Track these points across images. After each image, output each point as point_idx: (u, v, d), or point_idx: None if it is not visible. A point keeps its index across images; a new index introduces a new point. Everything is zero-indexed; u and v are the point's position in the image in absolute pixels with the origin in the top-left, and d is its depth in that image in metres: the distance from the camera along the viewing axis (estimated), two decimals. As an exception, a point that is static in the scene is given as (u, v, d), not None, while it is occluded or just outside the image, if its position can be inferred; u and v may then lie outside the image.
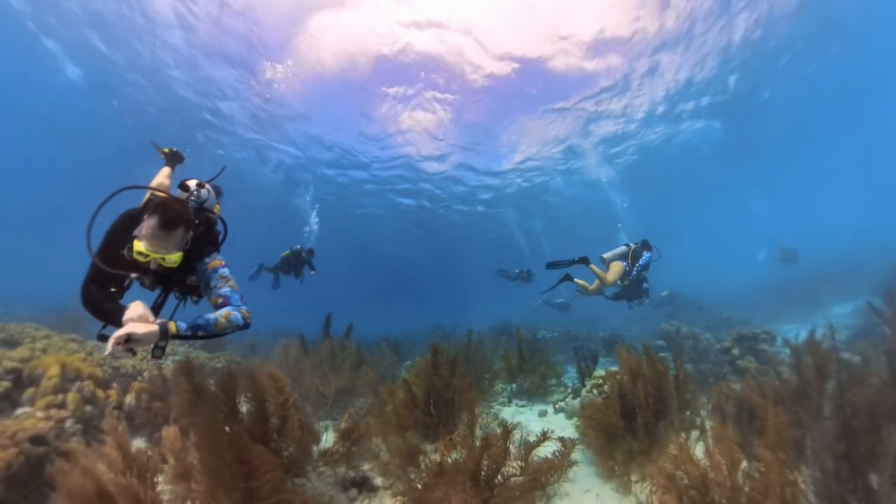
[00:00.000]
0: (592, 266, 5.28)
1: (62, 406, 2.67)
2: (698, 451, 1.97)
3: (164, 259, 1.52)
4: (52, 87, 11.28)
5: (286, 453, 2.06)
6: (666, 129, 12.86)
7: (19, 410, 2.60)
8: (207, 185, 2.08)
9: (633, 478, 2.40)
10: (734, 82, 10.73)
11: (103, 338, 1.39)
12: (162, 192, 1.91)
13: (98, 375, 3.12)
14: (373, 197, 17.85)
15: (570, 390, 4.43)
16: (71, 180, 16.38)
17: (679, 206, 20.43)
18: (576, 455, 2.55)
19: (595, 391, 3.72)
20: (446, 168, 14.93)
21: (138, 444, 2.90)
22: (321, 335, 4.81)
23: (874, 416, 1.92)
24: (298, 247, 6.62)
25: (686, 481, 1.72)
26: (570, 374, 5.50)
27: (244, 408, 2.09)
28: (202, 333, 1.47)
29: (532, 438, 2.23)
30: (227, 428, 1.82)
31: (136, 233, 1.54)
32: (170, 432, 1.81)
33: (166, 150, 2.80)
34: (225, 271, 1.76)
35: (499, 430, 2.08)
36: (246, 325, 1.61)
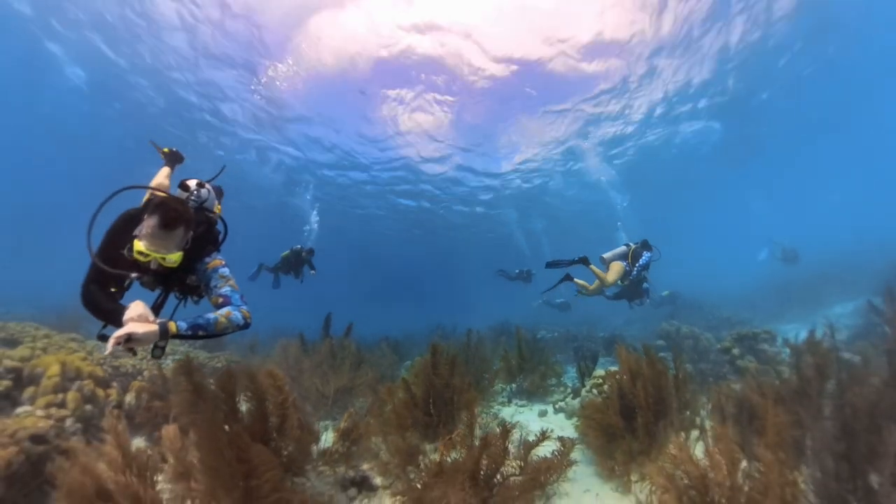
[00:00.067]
0: (592, 266, 5.27)
1: (62, 405, 2.67)
2: (698, 450, 1.97)
3: (164, 259, 1.52)
4: (54, 88, 11.36)
5: (285, 452, 2.06)
6: (665, 130, 12.88)
7: (19, 409, 2.61)
8: (207, 185, 2.08)
9: (633, 477, 2.40)
10: (733, 83, 10.75)
11: (103, 338, 1.39)
12: (162, 191, 1.91)
13: (98, 374, 3.12)
14: (373, 198, 17.88)
15: (569, 390, 4.43)
16: (71, 180, 16.41)
17: (679, 206, 20.43)
18: (575, 455, 2.54)
19: (595, 391, 3.72)
20: (446, 169, 14.97)
21: (138, 443, 2.90)
22: (321, 335, 4.81)
23: (874, 415, 1.92)
24: (299, 246, 6.62)
25: (686, 481, 1.72)
26: (571, 374, 5.50)
27: (244, 407, 2.09)
28: (202, 333, 1.47)
29: (531, 438, 2.23)
30: (226, 427, 1.82)
31: (136, 232, 1.54)
32: (169, 431, 1.81)
33: (166, 149, 2.81)
34: (225, 271, 1.76)
35: (498, 430, 2.07)
36: (246, 325, 1.61)
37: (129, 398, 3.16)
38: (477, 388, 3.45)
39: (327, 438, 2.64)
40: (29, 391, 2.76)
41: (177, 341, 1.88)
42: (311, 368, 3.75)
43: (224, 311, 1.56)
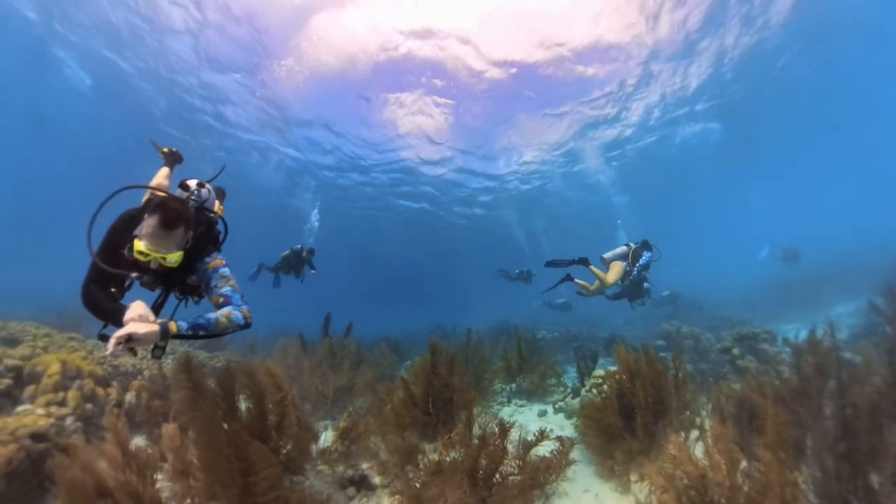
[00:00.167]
0: (592, 267, 5.27)
1: (63, 403, 2.68)
2: (698, 450, 1.97)
3: (164, 258, 1.52)
4: (57, 91, 11.44)
5: (284, 451, 2.07)
6: (665, 132, 12.90)
7: (20, 408, 2.61)
8: (208, 185, 2.08)
9: (633, 477, 2.40)
10: (733, 84, 10.75)
11: (104, 337, 1.39)
12: (162, 191, 1.91)
13: (98, 374, 3.13)
14: (373, 199, 17.93)
15: (569, 390, 4.43)
16: (72, 180, 16.45)
17: (679, 207, 20.43)
18: (575, 455, 2.54)
19: (594, 391, 3.71)
20: (446, 171, 15.01)
21: (138, 441, 2.91)
22: (320, 335, 4.81)
23: (875, 415, 1.91)
24: (299, 246, 6.62)
25: (685, 481, 1.72)
26: (571, 374, 5.49)
27: (243, 405, 2.10)
28: (203, 333, 1.47)
29: (531, 438, 2.23)
30: (225, 425, 1.82)
31: (136, 232, 1.54)
32: (169, 429, 1.82)
33: (165, 149, 2.81)
34: (226, 271, 1.76)
35: (496, 430, 2.07)
36: (247, 325, 1.61)
37: (129, 397, 3.17)
38: (476, 387, 3.45)
39: (326, 438, 2.64)
40: (29, 390, 2.77)
41: (177, 341, 1.88)
42: (310, 368, 3.75)
43: (225, 310, 1.56)
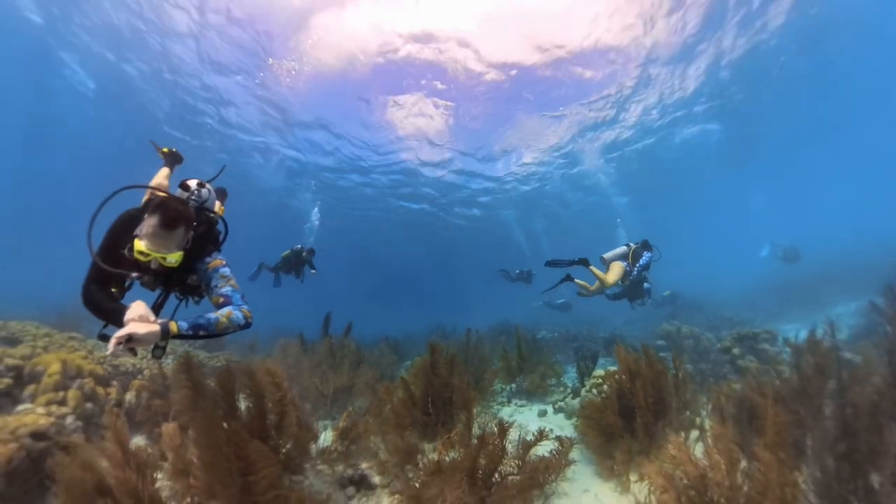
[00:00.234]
0: (592, 268, 5.26)
1: (63, 403, 2.68)
2: (698, 450, 1.97)
3: (164, 258, 1.52)
4: (60, 93, 11.48)
5: (284, 450, 2.07)
6: (664, 133, 12.90)
7: (20, 407, 2.62)
8: (208, 185, 2.09)
9: (632, 477, 2.40)
10: (732, 84, 10.75)
11: (104, 337, 1.39)
12: (162, 191, 1.91)
13: (98, 373, 3.13)
14: (373, 200, 17.97)
15: (569, 390, 4.42)
16: (73, 181, 16.48)
17: (679, 207, 20.42)
18: (575, 455, 2.54)
19: (594, 391, 3.71)
20: (446, 173, 15.05)
21: (138, 441, 2.91)
22: (320, 335, 4.81)
23: (875, 415, 1.91)
24: (299, 246, 6.63)
25: (685, 481, 1.72)
26: (571, 374, 5.49)
27: (243, 405, 2.10)
28: (203, 333, 1.47)
29: (530, 438, 2.23)
30: (225, 424, 1.82)
31: (136, 232, 1.54)
32: (169, 429, 1.82)
33: (165, 149, 2.81)
34: (226, 271, 1.76)
35: (496, 429, 2.07)
36: (247, 325, 1.61)
37: (130, 397, 3.17)
38: (476, 387, 3.45)
39: (326, 437, 2.64)
40: (30, 389, 2.77)
41: (177, 341, 1.88)
42: (310, 368, 3.75)
43: (225, 310, 1.56)
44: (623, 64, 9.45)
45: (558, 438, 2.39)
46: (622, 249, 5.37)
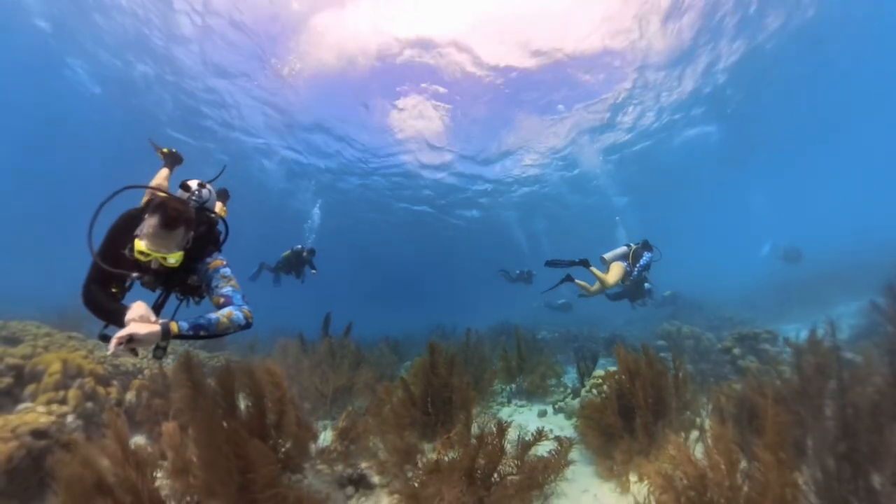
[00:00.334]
0: (593, 269, 5.25)
1: (63, 402, 2.69)
2: (698, 451, 1.96)
3: (165, 258, 1.53)
4: (65, 96, 11.54)
5: (283, 449, 2.07)
6: (664, 134, 12.91)
7: (21, 406, 2.62)
8: (208, 185, 2.09)
9: (632, 478, 2.39)
10: (732, 85, 10.75)
11: (105, 338, 1.39)
12: (162, 191, 1.92)
13: (99, 373, 3.13)
14: (373, 202, 18.02)
15: (569, 390, 4.42)
16: (74, 181, 16.53)
17: (680, 207, 20.41)
18: (574, 455, 2.54)
19: (594, 391, 3.71)
20: (445, 175, 15.09)
21: (138, 440, 2.91)
22: (320, 335, 4.81)
23: (876, 415, 1.90)
24: (299, 246, 6.64)
25: (684, 481, 1.71)
26: (571, 375, 5.48)
27: (242, 404, 2.10)
28: (204, 333, 1.47)
29: (530, 438, 2.23)
30: (224, 423, 1.82)
31: (137, 232, 1.54)
32: (169, 428, 1.82)
33: (165, 150, 2.81)
34: (226, 271, 1.76)
35: (495, 429, 2.07)
36: (248, 325, 1.61)
37: (130, 396, 3.18)
38: (475, 387, 3.45)
39: (326, 437, 2.64)
40: (30, 388, 2.78)
41: (177, 341, 1.88)
42: (310, 368, 3.75)
43: (225, 311, 1.56)
44: (621, 67, 9.49)
45: (557, 438, 2.38)
46: (622, 250, 5.36)
